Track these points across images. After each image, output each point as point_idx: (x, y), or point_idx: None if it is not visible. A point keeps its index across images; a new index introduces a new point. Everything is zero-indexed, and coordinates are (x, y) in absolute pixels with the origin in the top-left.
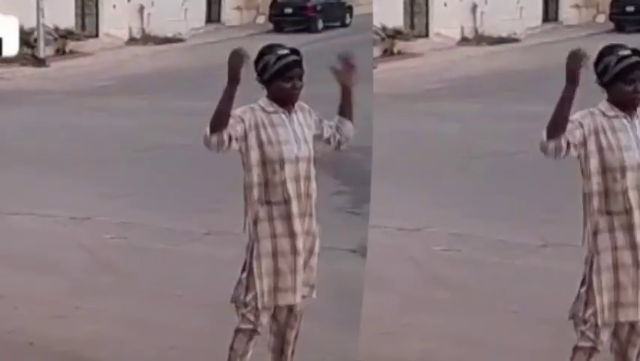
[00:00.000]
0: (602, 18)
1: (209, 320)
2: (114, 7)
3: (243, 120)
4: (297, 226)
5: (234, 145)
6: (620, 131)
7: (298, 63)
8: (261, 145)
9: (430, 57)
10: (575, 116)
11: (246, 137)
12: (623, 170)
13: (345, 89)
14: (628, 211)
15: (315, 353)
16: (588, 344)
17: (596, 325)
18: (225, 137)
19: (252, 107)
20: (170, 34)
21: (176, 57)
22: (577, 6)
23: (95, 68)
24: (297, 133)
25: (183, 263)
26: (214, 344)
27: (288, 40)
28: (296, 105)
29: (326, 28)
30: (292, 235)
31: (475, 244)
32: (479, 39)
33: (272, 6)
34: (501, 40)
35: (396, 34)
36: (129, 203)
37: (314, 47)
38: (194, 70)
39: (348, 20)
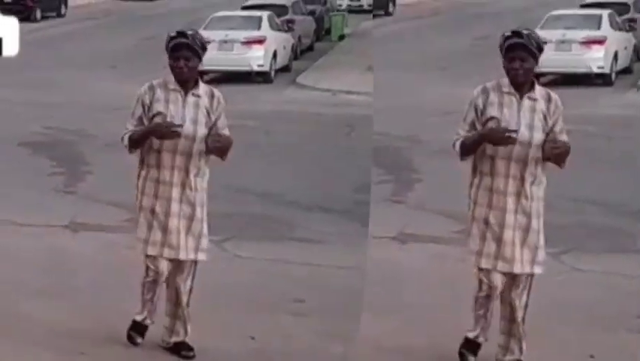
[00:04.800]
0: None
1: None
2: None
3: (143, 105)
4: (168, 192)
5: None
6: (507, 106)
7: (185, 45)
8: (152, 117)
9: None
10: (473, 95)
11: (146, 114)
12: None
13: None
14: (492, 175)
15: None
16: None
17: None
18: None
19: (156, 83)
20: None
21: None
22: None
23: None
24: (186, 112)
25: None
26: None
27: None
28: (203, 89)
29: (44, 17)
30: (164, 198)
31: None
32: None
33: None
34: None
35: None
36: None
37: (34, 36)
38: None
39: (63, 11)
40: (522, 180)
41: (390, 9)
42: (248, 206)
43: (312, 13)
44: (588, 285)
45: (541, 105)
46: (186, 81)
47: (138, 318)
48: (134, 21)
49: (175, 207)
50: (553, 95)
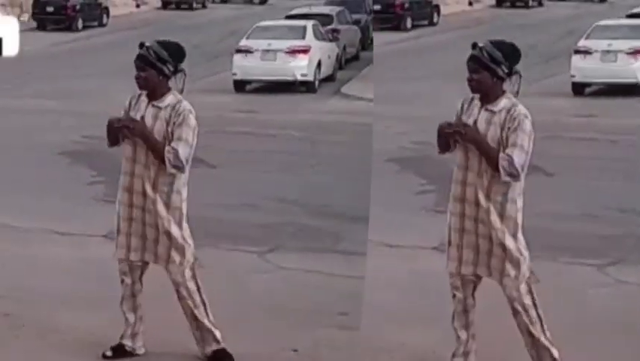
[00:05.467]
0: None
1: None
2: None
3: (124, 111)
4: (128, 199)
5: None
6: (470, 115)
7: (139, 56)
8: None
9: None
10: (458, 104)
11: None
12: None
13: None
14: (455, 183)
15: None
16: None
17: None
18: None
19: (139, 93)
20: None
21: None
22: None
23: None
24: (145, 120)
25: None
26: None
27: (50, 38)
28: (170, 101)
29: (85, 27)
30: (125, 204)
31: None
32: None
33: (34, 4)
34: None
35: None
36: None
37: (75, 45)
38: None
39: (105, 20)
40: (475, 189)
41: (435, 19)
42: (292, 217)
43: (357, 22)
44: (633, 297)
45: (499, 117)
46: (149, 91)
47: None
48: (175, 30)
49: (133, 212)
50: (518, 108)
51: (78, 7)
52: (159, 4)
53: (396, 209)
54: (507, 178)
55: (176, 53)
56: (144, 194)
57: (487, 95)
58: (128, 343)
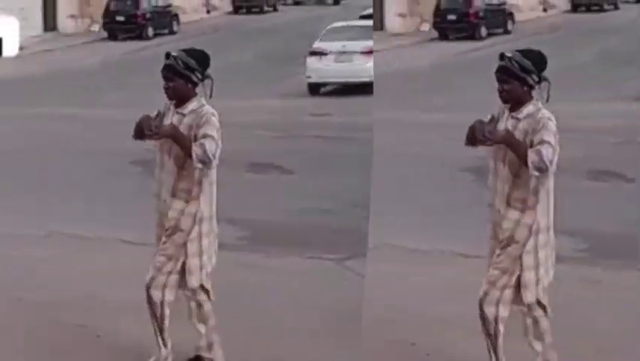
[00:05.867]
0: (426, 26)
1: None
2: None
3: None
4: (156, 204)
5: None
6: (500, 121)
7: (167, 66)
8: None
9: None
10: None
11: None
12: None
13: None
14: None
15: None
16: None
17: None
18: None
19: (167, 105)
20: None
21: (15, 64)
22: (401, 15)
23: None
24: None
25: None
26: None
27: (121, 47)
28: (192, 107)
29: (156, 35)
30: (157, 210)
31: None
32: None
33: (105, 14)
34: None
35: None
36: None
37: (145, 53)
38: (32, 77)
39: (175, 27)
40: (507, 198)
41: (510, 27)
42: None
43: None
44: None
45: (523, 124)
46: (177, 100)
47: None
48: (246, 35)
49: (158, 218)
50: (541, 112)
51: (148, 15)
52: (230, 8)
53: None
54: (535, 172)
55: (203, 60)
56: (165, 200)
57: (518, 103)
58: (205, 355)
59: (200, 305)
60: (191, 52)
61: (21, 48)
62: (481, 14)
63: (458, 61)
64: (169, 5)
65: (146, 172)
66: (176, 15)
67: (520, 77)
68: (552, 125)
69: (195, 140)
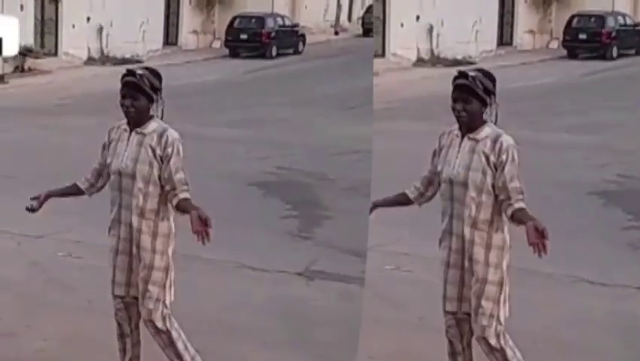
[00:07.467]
0: (555, 44)
1: None
2: (73, 26)
3: (103, 145)
4: (117, 229)
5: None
6: (451, 147)
7: (130, 84)
8: (108, 155)
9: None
10: (437, 142)
11: (103, 153)
12: (440, 181)
13: None
14: (443, 215)
15: None
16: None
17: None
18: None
19: (119, 123)
20: (127, 55)
21: None
22: (531, 32)
23: (53, 86)
24: (128, 151)
25: None
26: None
27: (243, 66)
28: (153, 127)
29: (279, 55)
30: (115, 235)
31: None
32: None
33: (228, 31)
34: (456, 63)
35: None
36: (82, 221)
37: (268, 73)
38: None
39: (300, 48)
40: (462, 221)
41: None
42: None
43: None
44: None
45: (484, 145)
46: (136, 120)
47: None
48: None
49: (121, 245)
50: (503, 138)
51: (273, 34)
52: (360, 31)
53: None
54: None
55: (161, 80)
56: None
57: (474, 124)
58: None
59: None
60: (153, 71)
61: (139, 61)
62: (613, 34)
63: (587, 81)
64: (296, 25)
65: (267, 195)
66: (302, 35)
67: (481, 98)
68: (516, 154)
69: (161, 161)
